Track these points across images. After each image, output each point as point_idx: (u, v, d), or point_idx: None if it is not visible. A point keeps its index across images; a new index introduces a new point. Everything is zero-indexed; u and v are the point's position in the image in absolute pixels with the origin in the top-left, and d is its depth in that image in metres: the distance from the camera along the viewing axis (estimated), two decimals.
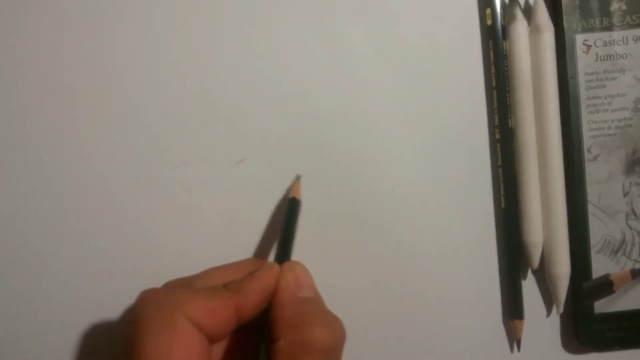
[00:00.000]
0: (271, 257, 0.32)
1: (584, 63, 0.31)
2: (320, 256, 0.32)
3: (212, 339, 0.26)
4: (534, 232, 0.31)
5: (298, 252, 0.32)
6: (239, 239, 0.32)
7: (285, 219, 0.30)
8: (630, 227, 0.31)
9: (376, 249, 0.32)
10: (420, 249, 0.32)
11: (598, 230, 0.31)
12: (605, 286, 0.31)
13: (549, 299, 0.32)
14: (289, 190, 0.31)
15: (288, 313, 0.26)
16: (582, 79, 0.31)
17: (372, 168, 0.32)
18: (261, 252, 0.32)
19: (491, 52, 0.31)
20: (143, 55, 0.32)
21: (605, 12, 0.31)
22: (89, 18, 0.31)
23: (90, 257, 0.32)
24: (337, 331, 0.26)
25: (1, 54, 0.31)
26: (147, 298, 0.26)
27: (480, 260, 0.32)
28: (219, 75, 0.32)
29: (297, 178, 0.31)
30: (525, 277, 0.32)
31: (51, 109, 0.31)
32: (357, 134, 0.32)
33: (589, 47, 0.31)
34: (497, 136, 0.32)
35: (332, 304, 0.32)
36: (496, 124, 0.32)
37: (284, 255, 0.29)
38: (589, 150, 0.31)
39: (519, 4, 0.31)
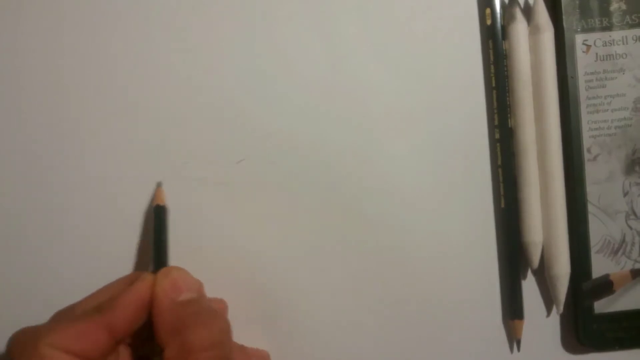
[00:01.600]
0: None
1: (583, 63, 0.31)
2: (320, 256, 0.32)
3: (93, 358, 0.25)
4: (534, 232, 0.31)
5: (297, 252, 0.32)
6: (240, 242, 0.32)
7: (155, 227, 0.30)
8: (630, 227, 0.31)
9: (376, 249, 0.32)
10: (420, 249, 0.32)
11: (598, 230, 0.31)
12: (605, 286, 0.31)
13: (548, 299, 0.32)
14: (152, 199, 0.31)
15: (168, 320, 0.26)
16: (581, 79, 0.31)
17: (371, 168, 0.32)
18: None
19: (491, 52, 0.31)
20: (143, 56, 0.32)
21: (605, 12, 0.31)
22: (89, 18, 0.31)
23: (89, 257, 0.32)
24: (217, 327, 0.26)
25: (1, 54, 0.31)
26: (13, 341, 0.26)
27: (480, 261, 0.32)
28: (219, 76, 0.32)
29: (159, 185, 0.31)
30: (525, 277, 0.32)
31: (51, 109, 0.31)
32: (356, 134, 0.32)
33: (588, 47, 0.31)
34: (497, 136, 0.32)
35: (332, 304, 0.32)
36: (496, 124, 0.32)
37: (159, 264, 0.29)
38: (588, 150, 0.31)
39: (518, 3, 0.31)
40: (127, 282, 0.28)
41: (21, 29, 0.31)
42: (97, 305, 0.26)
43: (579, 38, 0.31)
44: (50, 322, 0.27)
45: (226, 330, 0.27)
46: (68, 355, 0.25)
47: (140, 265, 0.32)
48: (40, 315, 0.31)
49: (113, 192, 0.32)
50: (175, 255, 0.32)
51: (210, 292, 0.29)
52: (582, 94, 0.31)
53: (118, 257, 0.32)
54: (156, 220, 0.30)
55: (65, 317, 0.27)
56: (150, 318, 0.27)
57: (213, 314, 0.27)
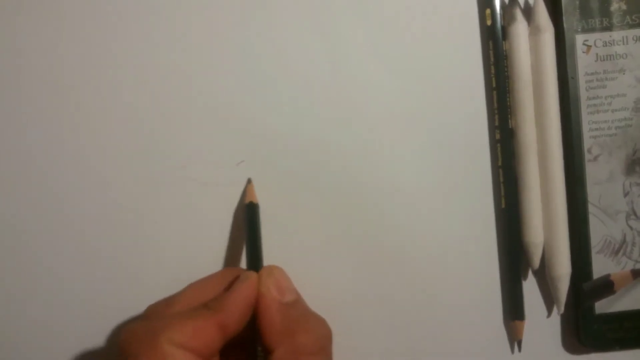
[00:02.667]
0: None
1: (584, 63, 0.31)
2: (320, 257, 0.32)
3: (205, 358, 0.25)
4: (535, 233, 0.31)
5: (297, 252, 0.32)
6: (240, 242, 0.32)
7: (248, 225, 0.30)
8: (631, 227, 0.31)
9: (376, 249, 0.32)
10: (420, 250, 0.32)
11: (598, 231, 0.31)
12: (606, 286, 0.31)
13: (549, 300, 0.32)
14: (243, 196, 0.31)
15: (276, 322, 0.26)
16: (582, 80, 0.31)
17: (372, 169, 0.32)
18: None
19: (491, 52, 0.31)
20: (143, 56, 0.32)
21: (605, 12, 0.31)
22: (89, 19, 0.31)
23: (89, 258, 0.32)
24: (325, 331, 0.27)
25: (2, 54, 0.31)
26: (128, 336, 0.26)
27: (481, 261, 0.32)
28: (219, 76, 0.32)
29: (249, 182, 0.31)
30: (525, 277, 0.32)
31: (50, 110, 0.31)
32: (357, 135, 0.32)
33: (589, 47, 0.31)
34: (498, 137, 0.32)
35: (333, 305, 0.32)
36: (496, 124, 0.32)
37: (256, 261, 0.29)
38: (589, 151, 0.31)
39: (518, 4, 0.31)
40: (226, 279, 0.28)
41: (21, 29, 0.31)
42: (205, 304, 0.26)
43: (580, 38, 0.31)
44: (161, 318, 0.26)
45: (330, 334, 0.27)
46: (186, 353, 0.25)
47: (140, 266, 0.32)
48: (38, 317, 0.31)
49: (113, 193, 0.32)
50: (176, 256, 0.32)
51: None
52: (583, 94, 0.31)
53: (118, 258, 0.32)
54: (249, 218, 0.30)
55: (168, 312, 0.27)
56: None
57: (318, 319, 0.27)
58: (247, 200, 0.30)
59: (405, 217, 0.32)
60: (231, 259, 0.32)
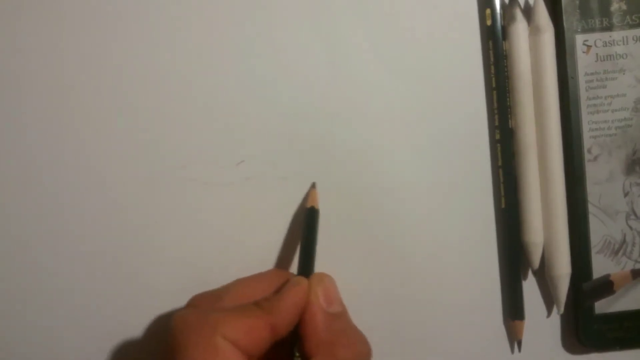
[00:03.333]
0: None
1: (584, 63, 0.31)
2: (320, 257, 0.32)
3: (250, 357, 0.25)
4: (535, 233, 0.31)
5: (296, 252, 0.31)
6: (240, 243, 0.32)
7: (305, 229, 0.30)
8: (631, 228, 0.31)
9: (376, 249, 0.32)
10: (420, 250, 0.32)
11: (598, 231, 0.31)
12: (606, 286, 0.31)
13: (549, 300, 0.32)
14: (305, 199, 0.31)
15: (320, 330, 0.26)
16: (582, 80, 0.31)
17: (371, 169, 0.32)
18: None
19: (491, 52, 0.31)
20: (143, 57, 0.31)
21: (605, 12, 0.31)
22: (89, 19, 0.31)
23: (89, 258, 0.32)
24: (364, 350, 0.27)
25: (2, 54, 0.31)
26: (181, 323, 0.25)
27: (481, 261, 0.32)
28: (219, 77, 0.32)
29: (313, 186, 0.31)
30: (525, 277, 0.32)
31: (50, 110, 0.31)
32: (357, 135, 0.32)
33: (589, 47, 0.31)
34: (497, 137, 0.32)
35: None
36: (496, 124, 0.32)
37: (308, 267, 0.29)
38: (589, 151, 0.31)
39: (518, 4, 0.31)
40: (275, 280, 0.28)
41: (21, 29, 0.31)
42: (258, 303, 0.26)
43: (579, 38, 0.31)
44: (217, 311, 0.26)
45: (370, 354, 0.27)
46: (236, 350, 0.25)
47: (140, 267, 0.32)
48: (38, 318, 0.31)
49: (113, 194, 0.32)
50: (176, 256, 0.32)
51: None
52: (583, 94, 0.31)
53: (118, 259, 0.32)
54: (308, 222, 0.30)
55: (223, 309, 0.26)
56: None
57: (360, 335, 0.28)
58: (308, 205, 0.30)
59: (405, 216, 0.32)
60: (231, 259, 0.32)
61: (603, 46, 0.31)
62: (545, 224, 0.31)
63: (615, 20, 0.31)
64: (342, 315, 0.28)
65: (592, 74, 0.31)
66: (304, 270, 0.29)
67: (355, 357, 0.26)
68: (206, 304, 0.27)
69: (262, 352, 0.26)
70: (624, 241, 0.31)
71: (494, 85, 0.31)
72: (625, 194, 0.31)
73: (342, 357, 0.26)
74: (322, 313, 0.27)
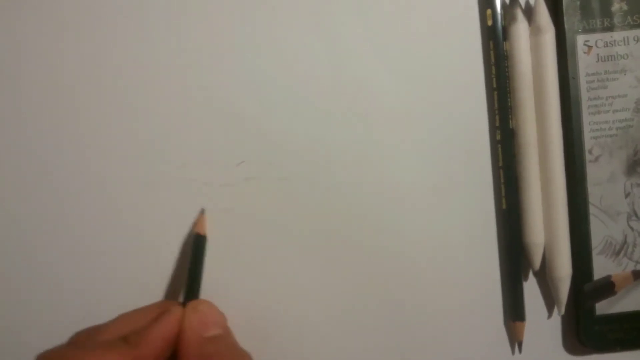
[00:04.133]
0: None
1: (585, 64, 0.31)
2: (320, 257, 0.32)
3: None
4: (535, 234, 0.31)
5: (297, 252, 0.32)
6: (240, 243, 0.32)
7: (192, 256, 0.29)
8: (632, 228, 0.31)
9: (376, 250, 0.32)
10: (421, 251, 0.32)
11: (599, 232, 0.31)
12: (607, 287, 0.31)
13: (550, 301, 0.32)
14: (194, 225, 0.31)
15: (191, 355, 0.26)
16: (583, 80, 0.31)
17: (372, 169, 0.32)
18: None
19: (492, 53, 0.31)
20: (143, 57, 0.31)
21: (606, 12, 0.31)
22: (89, 19, 0.31)
23: (88, 257, 0.31)
24: None
25: (2, 54, 0.31)
26: None
27: (482, 262, 0.32)
28: (219, 77, 0.32)
29: (202, 212, 0.31)
30: (526, 278, 0.32)
31: (50, 110, 0.31)
32: (357, 136, 0.32)
33: (590, 47, 0.31)
34: (498, 137, 0.31)
35: (332, 306, 0.32)
36: (497, 125, 0.31)
37: (191, 294, 0.29)
38: (590, 152, 0.31)
39: (519, 4, 0.31)
40: (155, 312, 0.28)
41: (21, 29, 0.31)
42: (125, 337, 0.26)
43: (580, 39, 0.31)
44: (76, 348, 0.26)
45: None
46: None
47: (140, 266, 0.31)
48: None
49: (113, 193, 0.31)
50: (176, 256, 0.32)
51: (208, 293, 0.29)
52: (584, 94, 0.31)
53: (117, 258, 0.31)
54: (195, 249, 0.30)
55: (89, 341, 0.26)
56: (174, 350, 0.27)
57: (239, 354, 0.27)
58: (195, 231, 0.30)
59: (406, 217, 0.32)
60: (231, 259, 0.32)
61: (604, 46, 0.31)
62: (546, 225, 0.31)
63: (616, 20, 0.31)
64: (219, 338, 0.28)
65: (593, 74, 0.31)
66: (189, 297, 0.29)
67: None
68: (82, 340, 0.27)
69: None
70: (625, 242, 0.31)
71: (494, 85, 0.31)
72: (626, 195, 0.31)
73: None
74: (196, 338, 0.27)
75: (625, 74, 0.31)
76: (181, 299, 0.31)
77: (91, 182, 0.31)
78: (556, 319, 0.32)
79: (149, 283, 0.31)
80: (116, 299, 0.31)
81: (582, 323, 0.31)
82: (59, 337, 0.31)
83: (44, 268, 0.31)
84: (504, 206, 0.32)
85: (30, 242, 0.31)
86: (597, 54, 0.31)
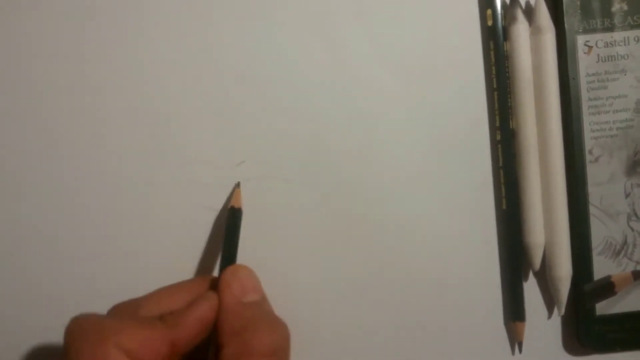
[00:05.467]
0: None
1: (585, 64, 0.31)
2: (320, 257, 0.32)
3: None
4: (536, 234, 0.31)
5: (297, 252, 0.32)
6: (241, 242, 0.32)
7: (228, 229, 0.30)
8: (632, 229, 0.31)
9: (376, 250, 0.32)
10: (421, 251, 0.32)
11: (599, 232, 0.31)
12: (607, 288, 0.31)
13: (550, 301, 0.32)
14: (229, 199, 0.31)
15: (231, 320, 0.26)
16: (583, 80, 0.31)
17: (372, 169, 0.32)
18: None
19: (492, 53, 0.31)
20: (143, 57, 0.31)
21: (607, 12, 0.31)
22: (89, 19, 0.31)
23: (89, 257, 0.32)
24: (279, 334, 0.27)
25: (4, 54, 0.31)
26: (76, 328, 0.25)
27: (482, 262, 0.32)
28: (219, 77, 0.32)
29: (237, 186, 0.31)
30: (526, 278, 0.32)
31: (51, 110, 0.31)
32: (357, 136, 0.32)
33: (590, 48, 0.31)
34: (498, 137, 0.31)
35: (332, 305, 0.32)
36: (497, 125, 0.31)
37: (227, 264, 0.29)
38: (590, 152, 0.31)
39: (519, 4, 0.31)
40: (193, 289, 0.28)
41: (23, 30, 0.31)
42: (163, 317, 0.26)
43: (581, 39, 0.31)
44: (114, 319, 0.26)
45: (287, 338, 0.27)
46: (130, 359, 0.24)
47: (140, 266, 0.31)
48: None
49: (113, 193, 0.31)
50: (176, 255, 0.32)
51: None
52: (584, 95, 0.31)
53: (118, 257, 0.31)
54: (230, 222, 0.30)
55: (129, 316, 0.26)
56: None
57: (276, 320, 0.27)
58: (230, 204, 0.30)
59: (406, 217, 0.32)
60: None
61: (604, 47, 0.31)
62: (546, 225, 0.31)
63: (617, 21, 0.31)
64: (257, 304, 0.27)
65: (593, 74, 0.31)
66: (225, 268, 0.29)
67: (268, 342, 0.26)
68: (121, 313, 0.27)
69: None
70: (625, 242, 0.31)
71: (495, 85, 0.31)
72: (627, 195, 0.31)
73: (254, 343, 0.25)
74: (234, 302, 0.27)
75: (625, 74, 0.31)
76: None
77: (91, 181, 0.31)
78: (556, 320, 0.32)
79: (151, 281, 0.31)
80: (115, 297, 0.31)
81: (582, 323, 0.31)
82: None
83: (43, 266, 0.31)
84: (504, 206, 0.32)
85: (29, 241, 0.31)
86: (598, 54, 0.31)
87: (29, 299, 0.31)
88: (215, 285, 0.28)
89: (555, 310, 0.32)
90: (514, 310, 0.32)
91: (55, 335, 0.31)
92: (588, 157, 0.31)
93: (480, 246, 0.32)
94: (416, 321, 0.32)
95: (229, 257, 0.29)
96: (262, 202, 0.32)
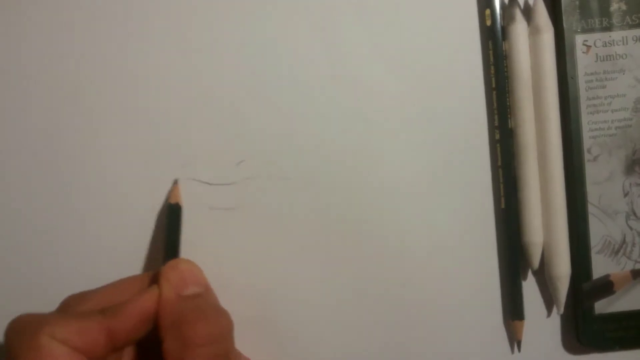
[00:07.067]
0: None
1: (583, 63, 0.31)
2: (319, 256, 0.32)
3: (90, 357, 0.25)
4: (534, 233, 0.31)
5: (296, 252, 0.32)
6: (240, 243, 0.32)
7: (168, 225, 0.30)
8: (631, 228, 0.31)
9: (375, 249, 0.32)
10: (420, 250, 0.32)
11: (598, 231, 0.31)
12: (606, 287, 0.31)
13: (549, 300, 0.32)
14: (168, 196, 0.31)
15: (170, 313, 0.26)
16: (582, 80, 0.31)
17: (371, 169, 0.32)
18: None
19: (491, 52, 0.31)
20: (143, 56, 0.32)
21: (605, 12, 0.31)
22: (90, 19, 0.32)
23: (89, 257, 0.32)
24: (218, 323, 0.27)
25: (4, 54, 0.31)
26: (13, 326, 0.26)
27: (481, 261, 0.32)
28: (219, 76, 0.32)
29: (175, 182, 0.31)
30: (525, 277, 0.32)
31: (51, 110, 0.32)
32: (356, 135, 0.32)
33: (588, 47, 0.31)
34: (497, 137, 0.32)
35: (331, 304, 0.32)
36: (496, 124, 0.32)
37: (170, 256, 0.29)
38: (589, 151, 0.31)
39: (518, 4, 0.31)
40: (140, 284, 0.28)
41: (24, 30, 0.31)
42: (102, 309, 0.26)
43: (579, 38, 0.31)
44: (52, 314, 0.27)
45: (228, 327, 0.27)
46: (66, 347, 0.25)
47: (140, 265, 0.32)
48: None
49: (113, 193, 0.32)
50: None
51: None
52: (582, 94, 0.31)
53: (124, 256, 0.32)
54: (170, 218, 0.30)
55: (70, 310, 0.27)
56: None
57: (216, 310, 0.27)
58: (170, 201, 0.31)
59: (405, 217, 0.32)
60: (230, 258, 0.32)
61: (603, 46, 0.31)
62: (545, 224, 0.31)
63: (615, 20, 0.31)
64: (198, 296, 0.27)
65: (591, 74, 0.31)
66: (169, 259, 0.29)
67: (206, 332, 0.26)
68: (72, 305, 0.27)
69: (103, 355, 0.26)
70: (623, 241, 0.31)
71: (493, 85, 0.31)
72: (625, 194, 0.31)
73: (191, 334, 0.25)
74: (173, 296, 0.27)
75: (624, 74, 0.31)
76: None
77: (91, 181, 0.32)
78: (555, 318, 0.32)
79: None
80: None
81: (581, 322, 0.32)
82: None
83: (43, 266, 0.32)
84: (502, 205, 0.32)
85: (30, 240, 0.32)
86: (596, 54, 0.31)
87: (30, 295, 0.32)
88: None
89: (554, 309, 0.32)
90: (513, 309, 0.32)
91: None
92: (587, 156, 0.31)
93: (479, 245, 0.32)
94: (415, 320, 0.32)
95: (171, 253, 0.30)
96: (262, 201, 0.32)
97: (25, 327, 0.25)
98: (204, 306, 0.27)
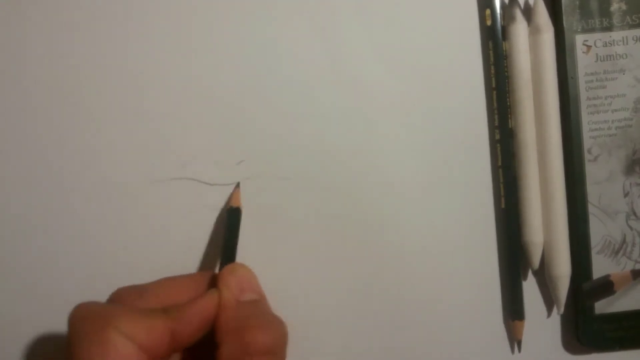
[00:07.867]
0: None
1: (584, 63, 0.31)
2: (319, 256, 0.32)
3: (151, 356, 0.25)
4: (534, 233, 0.31)
5: (296, 251, 0.32)
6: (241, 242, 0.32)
7: (227, 229, 0.30)
8: (631, 228, 0.31)
9: (375, 249, 0.32)
10: (420, 250, 0.32)
11: (598, 231, 0.31)
12: (606, 287, 0.31)
13: (549, 300, 0.32)
14: (229, 199, 0.31)
15: (229, 318, 0.26)
16: (582, 80, 0.31)
17: (371, 169, 0.32)
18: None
19: (491, 52, 0.31)
20: (143, 56, 0.32)
21: (605, 12, 0.31)
22: (90, 18, 0.32)
23: (89, 256, 0.32)
24: (277, 333, 0.27)
25: (5, 53, 0.31)
26: (79, 314, 0.25)
27: (481, 261, 0.32)
28: (219, 76, 0.32)
29: (237, 186, 0.31)
30: (525, 277, 0.32)
31: (51, 110, 0.32)
32: (356, 135, 0.32)
33: (589, 47, 0.31)
34: (497, 137, 0.32)
35: (331, 304, 0.32)
36: (496, 124, 0.32)
37: (228, 261, 0.29)
38: (589, 151, 0.31)
39: (518, 4, 0.31)
40: (195, 285, 0.28)
41: (24, 30, 0.31)
42: (166, 309, 0.26)
43: (579, 38, 0.31)
44: (118, 306, 0.26)
45: (285, 337, 0.27)
46: (133, 344, 0.24)
47: (140, 265, 0.32)
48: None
49: (112, 192, 0.32)
50: (176, 255, 0.32)
51: None
52: (583, 94, 0.31)
53: (124, 256, 0.32)
54: (230, 221, 0.30)
55: (131, 304, 0.27)
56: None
57: (274, 319, 0.27)
58: (229, 205, 0.31)
59: (405, 217, 0.32)
60: None
61: (603, 46, 0.31)
62: (545, 224, 0.31)
63: (615, 20, 0.31)
64: (255, 303, 0.28)
65: (592, 74, 0.31)
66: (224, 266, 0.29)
67: (265, 340, 0.26)
68: (126, 299, 0.27)
69: (162, 354, 0.26)
70: (624, 241, 0.31)
71: (493, 85, 0.31)
72: (625, 194, 0.31)
73: (251, 341, 0.25)
74: (232, 301, 0.27)
75: (624, 74, 0.31)
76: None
77: (91, 181, 0.32)
78: (555, 318, 0.32)
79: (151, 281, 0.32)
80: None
81: (581, 322, 0.32)
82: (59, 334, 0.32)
83: (43, 265, 0.32)
84: (503, 205, 0.32)
85: (30, 240, 0.32)
86: (596, 54, 0.31)
87: (32, 295, 0.32)
88: (214, 282, 0.28)
89: (555, 309, 0.32)
90: (513, 309, 0.32)
91: (59, 329, 0.32)
92: (587, 156, 0.31)
93: (479, 245, 0.32)
94: (415, 320, 0.32)
95: (229, 256, 0.29)
96: (262, 201, 0.32)
97: (93, 317, 0.25)
98: (262, 314, 0.27)
